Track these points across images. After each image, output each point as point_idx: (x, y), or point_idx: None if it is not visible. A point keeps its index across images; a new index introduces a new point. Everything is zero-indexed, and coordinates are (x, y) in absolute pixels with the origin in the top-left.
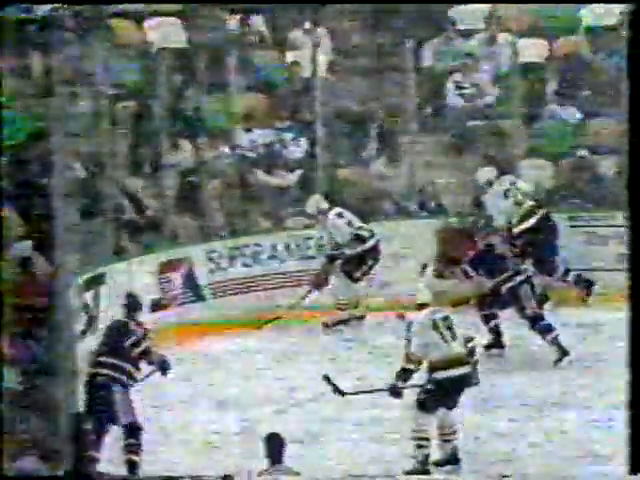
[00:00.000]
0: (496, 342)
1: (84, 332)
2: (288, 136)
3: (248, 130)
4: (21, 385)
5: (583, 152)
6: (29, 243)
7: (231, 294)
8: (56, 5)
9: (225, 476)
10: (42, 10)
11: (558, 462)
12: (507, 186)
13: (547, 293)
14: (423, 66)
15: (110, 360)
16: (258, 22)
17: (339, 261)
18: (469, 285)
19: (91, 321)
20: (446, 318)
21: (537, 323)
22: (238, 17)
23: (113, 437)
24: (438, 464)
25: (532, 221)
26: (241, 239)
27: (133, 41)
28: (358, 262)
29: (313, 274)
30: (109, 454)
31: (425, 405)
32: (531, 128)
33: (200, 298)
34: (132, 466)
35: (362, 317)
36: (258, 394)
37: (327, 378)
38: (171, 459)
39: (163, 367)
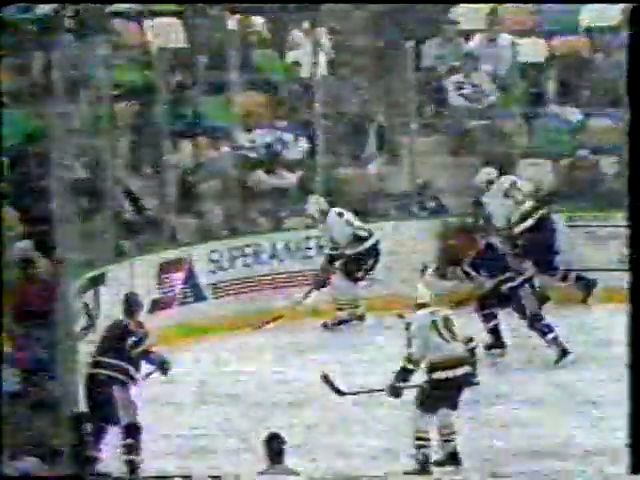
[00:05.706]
0: (496, 342)
1: (84, 332)
2: (288, 136)
3: (248, 130)
4: (21, 385)
5: (583, 152)
6: (29, 243)
7: (231, 294)
8: (56, 5)
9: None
10: (42, 10)
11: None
12: (507, 186)
13: (547, 293)
14: (423, 66)
15: (110, 360)
16: (258, 22)
17: (339, 261)
18: (469, 285)
19: (91, 321)
20: (446, 318)
21: (537, 323)
22: (238, 17)
23: (113, 437)
24: (438, 464)
25: (532, 221)
26: (241, 239)
27: (133, 41)
28: (358, 262)
29: (313, 274)
30: (109, 454)
31: (425, 405)
32: (531, 128)
33: (200, 298)
34: (132, 466)
35: (362, 317)
36: (258, 394)
37: (326, 378)
38: (170, 459)
39: (163, 367)
